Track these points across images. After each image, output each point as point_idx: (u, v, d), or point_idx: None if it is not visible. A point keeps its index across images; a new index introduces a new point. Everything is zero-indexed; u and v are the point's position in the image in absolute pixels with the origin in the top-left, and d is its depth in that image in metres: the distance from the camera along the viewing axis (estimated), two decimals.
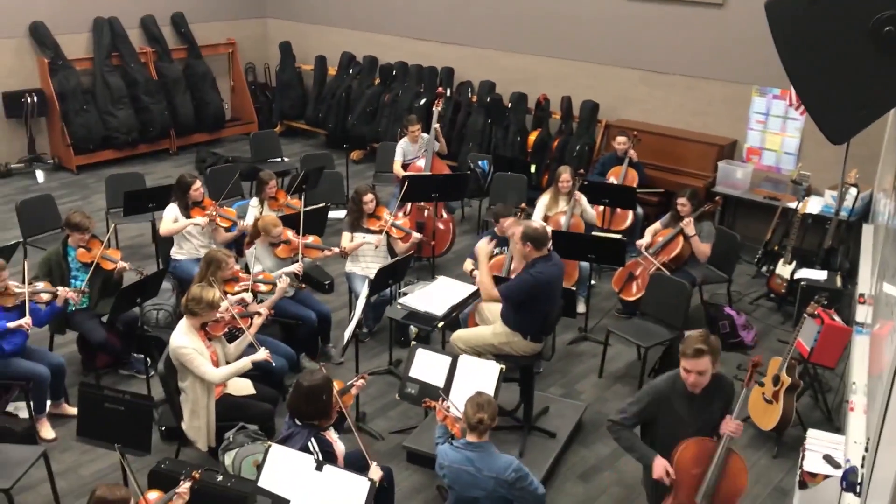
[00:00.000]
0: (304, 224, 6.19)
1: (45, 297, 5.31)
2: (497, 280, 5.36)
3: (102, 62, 10.26)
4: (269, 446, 3.85)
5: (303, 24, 11.84)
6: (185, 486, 3.75)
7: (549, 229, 5.29)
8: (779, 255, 7.14)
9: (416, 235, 6.65)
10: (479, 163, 8.89)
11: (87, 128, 10.10)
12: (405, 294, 5.95)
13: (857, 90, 2.10)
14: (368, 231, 6.45)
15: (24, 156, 10.03)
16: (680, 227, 6.42)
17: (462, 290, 5.69)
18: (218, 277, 5.28)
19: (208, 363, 4.67)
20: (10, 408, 5.28)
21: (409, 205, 7.45)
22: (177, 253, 6.57)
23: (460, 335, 5.35)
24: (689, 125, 8.52)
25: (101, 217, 7.82)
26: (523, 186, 8.22)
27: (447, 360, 4.82)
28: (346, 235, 6.47)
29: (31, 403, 5.12)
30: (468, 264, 6.03)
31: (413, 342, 5.38)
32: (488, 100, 9.61)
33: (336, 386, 4.23)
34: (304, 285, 6.10)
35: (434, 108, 8.21)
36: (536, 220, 6.57)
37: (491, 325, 5.36)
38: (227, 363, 4.87)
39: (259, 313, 5.21)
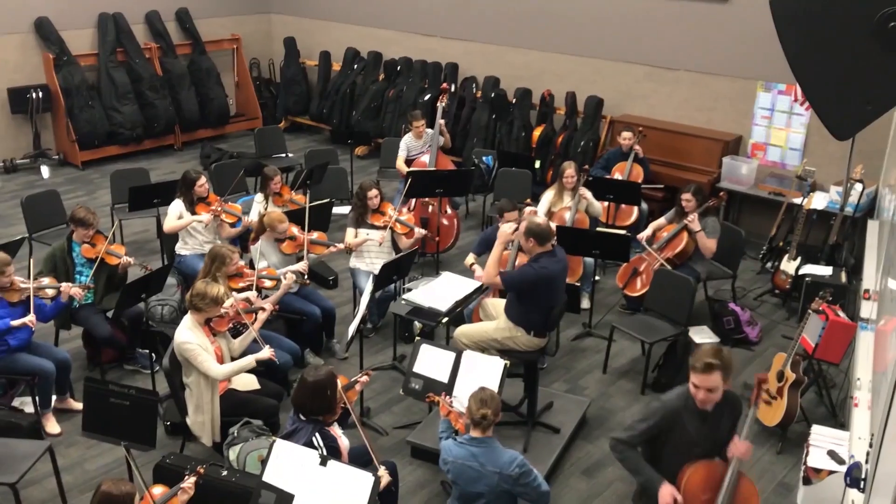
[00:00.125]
0: (309, 220, 6.20)
1: (50, 292, 5.32)
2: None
3: (107, 58, 10.27)
4: (274, 441, 3.85)
5: (307, 19, 11.84)
6: (189, 481, 3.78)
7: (553, 225, 5.29)
8: (783, 250, 7.13)
9: (420, 231, 6.64)
10: (484, 158, 8.89)
11: (92, 123, 10.12)
12: (409, 290, 5.95)
13: (861, 86, 2.10)
14: (373, 227, 6.44)
15: (29, 151, 10.07)
16: (684, 223, 6.41)
17: (466, 286, 5.68)
18: (222, 273, 5.30)
19: (212, 359, 4.67)
20: (16, 402, 5.30)
21: (413, 200, 7.44)
22: (182, 248, 6.59)
23: (464, 331, 5.36)
24: (694, 121, 8.50)
25: (105, 212, 7.83)
26: (528, 182, 8.21)
27: (451, 355, 4.83)
28: (350, 231, 6.47)
29: (37, 398, 5.14)
30: (470, 258, 6.03)
31: (417, 338, 5.38)
32: (493, 95, 9.60)
33: (340, 381, 4.24)
34: (308, 281, 6.11)
35: (438, 104, 8.20)
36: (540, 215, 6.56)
37: (495, 321, 5.36)
38: (232, 359, 4.89)
39: (263, 309, 5.23)
